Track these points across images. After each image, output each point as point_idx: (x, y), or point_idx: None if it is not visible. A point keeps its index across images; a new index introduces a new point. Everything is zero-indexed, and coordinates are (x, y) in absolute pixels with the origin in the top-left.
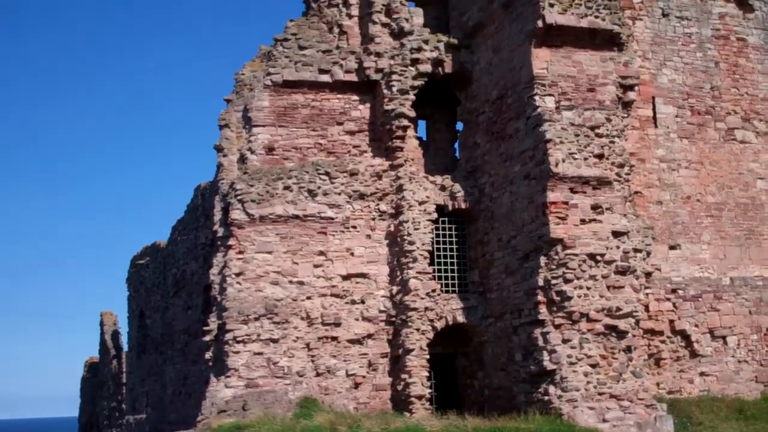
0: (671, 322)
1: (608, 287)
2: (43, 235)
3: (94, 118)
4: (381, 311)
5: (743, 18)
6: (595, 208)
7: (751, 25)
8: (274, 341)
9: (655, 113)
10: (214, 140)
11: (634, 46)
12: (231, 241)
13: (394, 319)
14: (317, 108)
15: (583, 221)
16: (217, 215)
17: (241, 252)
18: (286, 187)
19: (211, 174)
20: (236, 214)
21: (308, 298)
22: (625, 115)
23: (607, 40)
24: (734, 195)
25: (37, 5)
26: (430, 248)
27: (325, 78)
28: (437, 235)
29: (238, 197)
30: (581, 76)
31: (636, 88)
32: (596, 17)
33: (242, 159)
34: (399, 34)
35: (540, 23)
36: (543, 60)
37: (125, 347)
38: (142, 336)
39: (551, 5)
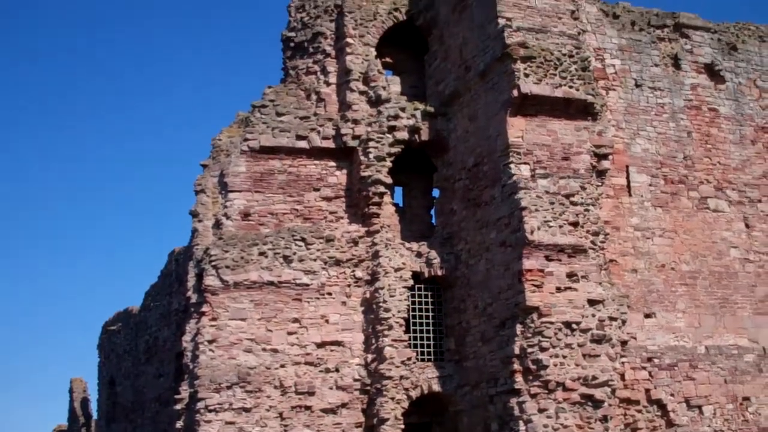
0: (647, 391)
1: (584, 356)
2: (7, 298)
3: (68, 180)
4: (356, 380)
5: (715, 89)
6: (570, 276)
7: (722, 95)
8: (247, 410)
9: (629, 182)
10: (189, 205)
11: (608, 116)
12: (204, 308)
13: (368, 387)
14: (294, 174)
15: (558, 289)
16: (191, 281)
17: (214, 319)
18: (262, 253)
19: (186, 239)
20: (210, 280)
21: (282, 366)
22: (600, 184)
23: (581, 110)
24: (708, 263)
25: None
26: (406, 315)
27: (303, 144)
28: (413, 303)
29: (213, 263)
30: (556, 145)
31: (610, 157)
32: (570, 87)
33: (218, 224)
34: (376, 102)
35: (515, 93)
36: (518, 129)
37: (95, 415)
38: (112, 404)
39: (526, 75)
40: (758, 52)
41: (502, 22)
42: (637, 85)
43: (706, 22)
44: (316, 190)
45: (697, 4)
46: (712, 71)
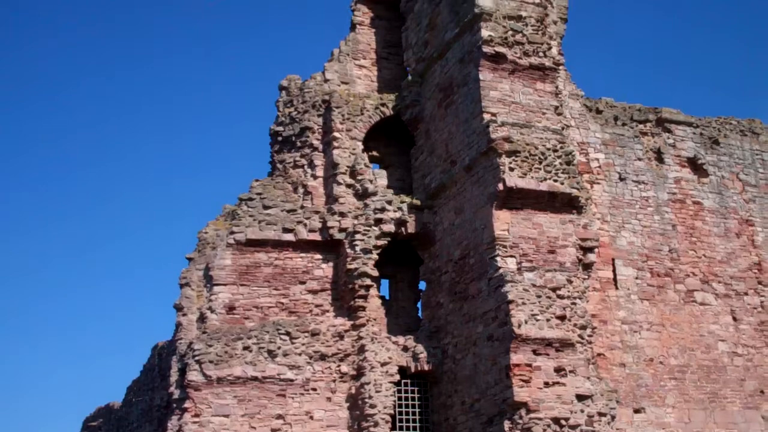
0: None
1: None
2: None
3: (50, 271)
4: None
5: (698, 182)
6: (558, 370)
7: (706, 189)
8: None
9: (615, 275)
10: (174, 299)
11: (593, 209)
12: (187, 404)
13: None
14: (280, 267)
15: (546, 384)
16: (174, 376)
17: (197, 415)
18: (246, 348)
19: (170, 333)
20: (193, 376)
21: None
22: (586, 277)
23: (566, 203)
24: (696, 357)
25: None
26: (392, 412)
27: (289, 237)
28: (399, 398)
29: (196, 358)
30: (542, 238)
31: (596, 250)
32: (555, 181)
33: (202, 318)
34: (363, 195)
35: (501, 186)
36: (504, 222)
37: None
38: None
39: (511, 169)
40: (740, 146)
41: (487, 117)
42: (621, 179)
43: (688, 116)
44: (302, 283)
45: (678, 99)
46: (695, 165)
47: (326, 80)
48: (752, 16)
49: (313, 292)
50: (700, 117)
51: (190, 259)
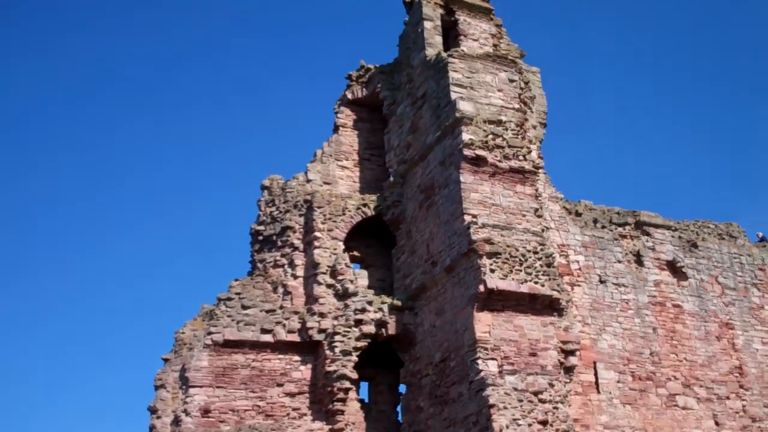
0: None
1: None
2: None
3: (19, 373)
4: None
5: (678, 285)
6: None
7: (685, 292)
8: None
9: (597, 378)
10: (148, 401)
11: (574, 311)
12: None
13: None
14: (257, 369)
15: None
16: None
17: None
18: None
19: None
20: None
21: None
22: (568, 381)
23: (547, 306)
24: None
25: None
26: None
27: (268, 338)
28: None
29: None
30: (523, 341)
31: (577, 353)
32: (536, 283)
33: (176, 421)
34: (343, 296)
35: (482, 288)
36: (485, 324)
37: None
38: None
39: (492, 271)
40: (718, 249)
41: (467, 218)
42: (602, 281)
43: (666, 220)
44: (280, 385)
45: (656, 203)
46: (674, 268)
47: (309, 180)
48: (727, 121)
49: (291, 395)
50: (678, 220)
51: (166, 360)
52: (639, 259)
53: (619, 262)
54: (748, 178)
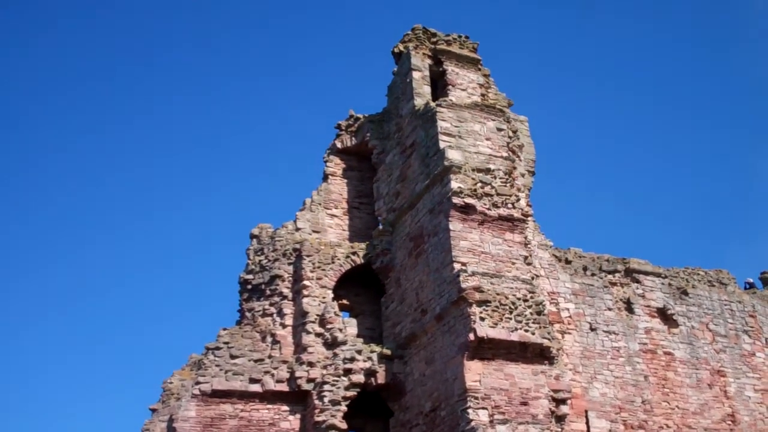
0: None
1: None
2: None
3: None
4: None
5: (668, 332)
6: None
7: (676, 339)
8: None
9: (588, 427)
10: None
11: (565, 360)
12: None
13: None
14: (246, 419)
15: None
16: None
17: None
18: None
19: None
20: None
21: None
22: (559, 430)
23: (537, 354)
24: None
25: None
26: None
27: (256, 388)
28: None
29: None
30: (514, 389)
31: (568, 401)
32: (526, 331)
33: None
34: (332, 344)
35: (472, 336)
36: (476, 372)
37: None
38: None
39: (482, 319)
40: (708, 296)
41: (457, 266)
42: (592, 329)
43: (656, 267)
44: None
45: (646, 250)
46: (664, 315)
47: (298, 229)
48: (716, 168)
49: None
50: (668, 267)
51: (153, 410)
52: (629, 307)
53: (610, 309)
54: (737, 225)
